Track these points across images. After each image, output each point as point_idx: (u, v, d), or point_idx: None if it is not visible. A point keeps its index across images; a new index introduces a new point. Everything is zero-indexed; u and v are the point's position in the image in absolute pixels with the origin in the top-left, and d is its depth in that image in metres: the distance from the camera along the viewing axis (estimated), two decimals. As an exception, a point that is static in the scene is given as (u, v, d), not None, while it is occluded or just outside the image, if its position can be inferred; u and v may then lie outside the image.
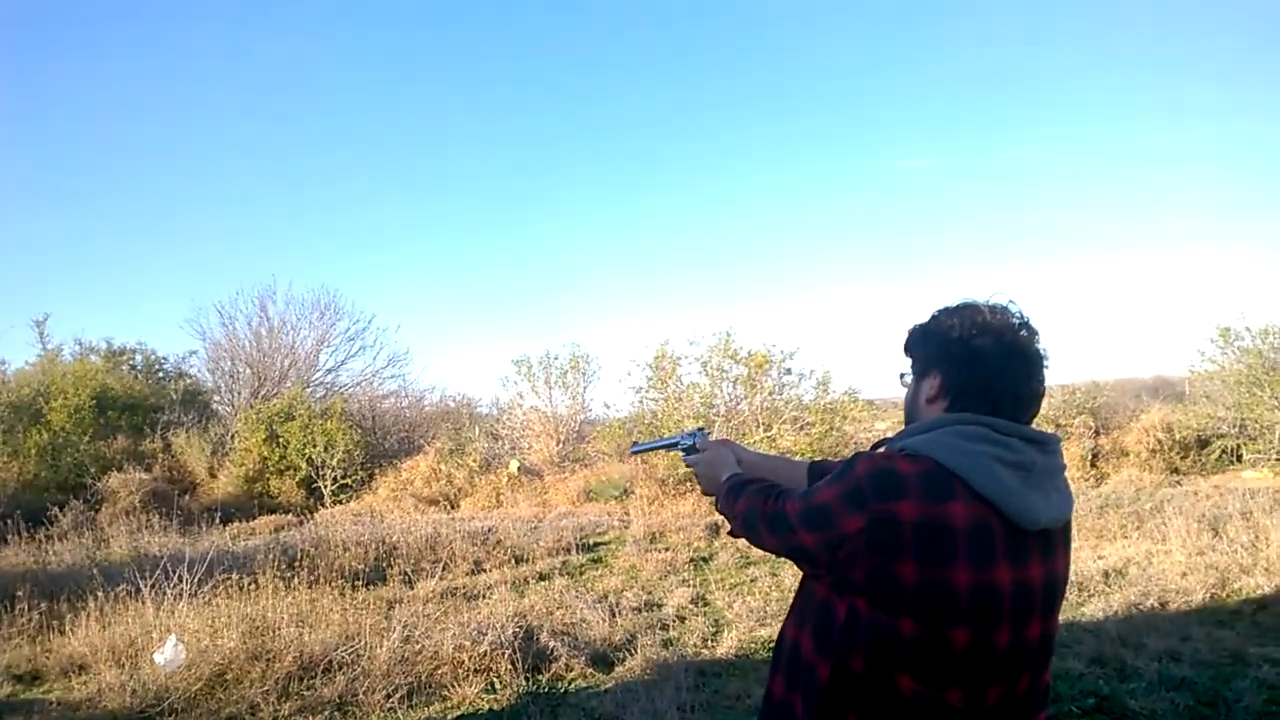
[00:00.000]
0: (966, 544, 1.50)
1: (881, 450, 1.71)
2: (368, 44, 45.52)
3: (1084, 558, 8.94)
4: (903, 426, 1.86)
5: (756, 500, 1.83)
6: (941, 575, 1.50)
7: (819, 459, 2.36)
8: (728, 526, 1.98)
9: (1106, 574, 8.23)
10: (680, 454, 2.41)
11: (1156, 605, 7.19)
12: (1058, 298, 45.19)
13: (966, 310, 1.75)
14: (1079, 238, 50.91)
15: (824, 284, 50.21)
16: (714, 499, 2.10)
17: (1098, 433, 17.25)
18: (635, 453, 2.93)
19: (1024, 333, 1.71)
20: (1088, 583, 7.94)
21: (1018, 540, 1.55)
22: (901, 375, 1.90)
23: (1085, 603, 7.46)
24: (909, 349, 1.87)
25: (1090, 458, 16.44)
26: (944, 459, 1.54)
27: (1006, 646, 1.56)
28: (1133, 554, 8.98)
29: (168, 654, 5.89)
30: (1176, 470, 16.22)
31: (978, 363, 1.68)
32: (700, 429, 2.44)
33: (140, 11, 39.78)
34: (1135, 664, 5.73)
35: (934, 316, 1.81)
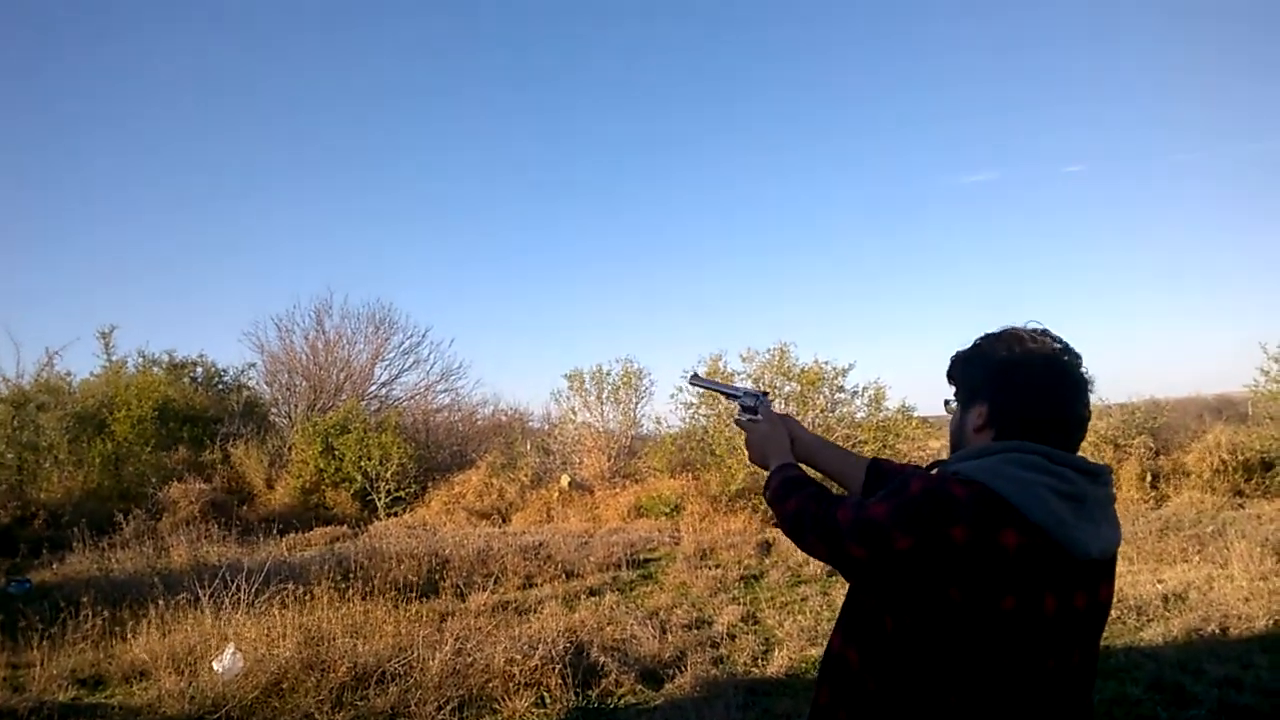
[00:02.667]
0: (1015, 571, 1.50)
1: (936, 472, 1.72)
2: (429, 57, 46.06)
3: (1143, 581, 8.79)
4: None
5: (808, 503, 1.80)
6: (989, 600, 1.50)
7: (881, 458, 2.34)
8: (775, 529, 1.98)
9: (1166, 598, 8.06)
10: (737, 407, 2.40)
11: (1217, 631, 7.05)
12: (1117, 314, 44.54)
13: (1009, 336, 1.76)
14: (1139, 254, 49.97)
15: (882, 298, 49.69)
16: (764, 485, 2.08)
17: (1158, 453, 16.85)
18: (693, 383, 2.94)
19: (1067, 357, 1.72)
20: (1147, 607, 7.79)
21: (1066, 570, 1.55)
22: (947, 402, 1.91)
23: (1144, 627, 7.33)
24: (952, 376, 1.89)
25: (1150, 479, 16.08)
26: (998, 486, 1.55)
27: (1051, 669, 1.56)
28: (1193, 578, 8.80)
29: (226, 662, 6.00)
30: (1240, 493, 15.84)
31: (1024, 389, 1.69)
32: (764, 393, 2.42)
33: (190, 16, 40.59)
34: (1194, 690, 5.62)
35: (976, 344, 1.83)
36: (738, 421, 2.36)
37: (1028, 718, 1.57)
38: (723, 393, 2.61)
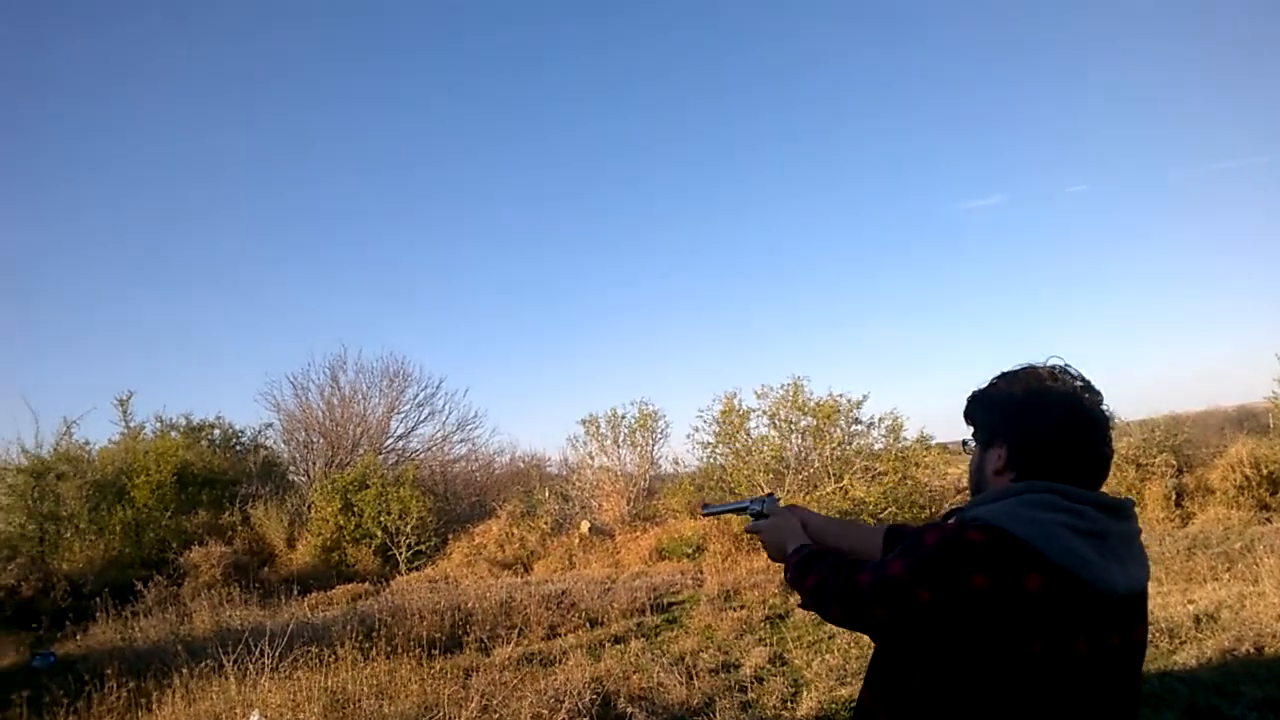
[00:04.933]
0: (1042, 614, 1.47)
1: (952, 521, 1.69)
2: (437, 111, 46.57)
3: (1173, 602, 8.68)
4: (968, 493, 1.84)
5: (827, 574, 1.78)
6: (1017, 646, 1.47)
7: (897, 524, 2.31)
8: (798, 598, 1.96)
9: (1198, 619, 7.95)
10: (749, 517, 2.40)
11: (1252, 650, 6.93)
12: (1129, 331, 44.40)
13: (1027, 375, 1.73)
14: (1149, 270, 49.81)
15: (895, 326, 49.61)
16: (783, 570, 2.05)
17: (1181, 471, 16.71)
18: (707, 514, 2.95)
19: (1088, 395, 1.69)
20: (1178, 629, 7.68)
21: (1094, 609, 1.52)
22: (964, 443, 1.88)
23: (1177, 650, 7.22)
24: (970, 416, 1.85)
25: (1174, 497, 15.93)
26: (1015, 529, 1.51)
27: (1088, 711, 1.52)
28: (1224, 597, 8.69)
29: (252, 730, 5.97)
30: (1266, 507, 15.66)
31: (1044, 431, 1.66)
32: (770, 495, 2.43)
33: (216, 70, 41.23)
34: (1232, 714, 5.54)
35: (993, 383, 1.79)
36: (750, 529, 2.35)
37: None
38: (734, 511, 2.61)
